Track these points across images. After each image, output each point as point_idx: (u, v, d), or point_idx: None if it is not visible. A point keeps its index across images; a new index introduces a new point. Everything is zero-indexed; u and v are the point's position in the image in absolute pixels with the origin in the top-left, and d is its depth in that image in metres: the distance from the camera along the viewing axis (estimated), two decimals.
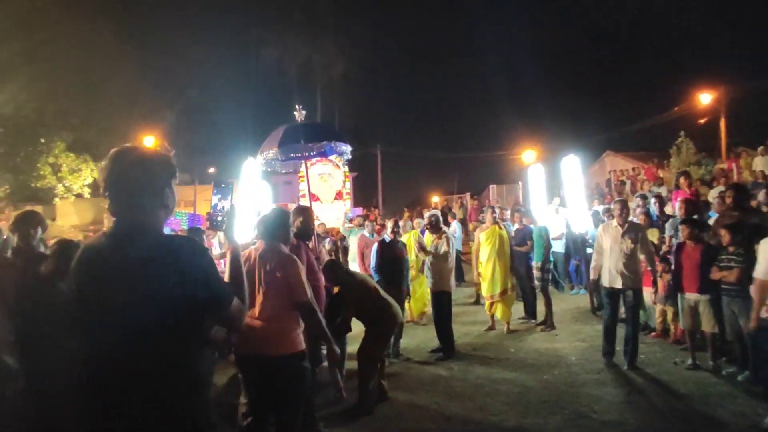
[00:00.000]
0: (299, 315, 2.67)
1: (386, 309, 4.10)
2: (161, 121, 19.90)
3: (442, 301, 5.63)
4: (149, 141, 18.35)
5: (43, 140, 15.39)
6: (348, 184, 11.95)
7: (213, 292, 1.40)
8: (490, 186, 20.00)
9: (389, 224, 5.92)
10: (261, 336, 2.63)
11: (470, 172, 34.86)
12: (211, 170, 25.42)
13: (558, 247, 8.22)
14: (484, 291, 6.62)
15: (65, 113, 15.93)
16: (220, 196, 1.57)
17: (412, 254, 7.05)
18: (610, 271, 4.90)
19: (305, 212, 4.16)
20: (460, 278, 10.26)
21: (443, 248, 5.72)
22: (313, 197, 11.71)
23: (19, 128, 14.80)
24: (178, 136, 21.55)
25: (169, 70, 21.44)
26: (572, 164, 7.55)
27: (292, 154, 5.05)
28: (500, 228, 6.53)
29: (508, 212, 9.65)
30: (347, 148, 5.15)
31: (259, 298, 2.69)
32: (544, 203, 8.86)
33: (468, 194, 19.15)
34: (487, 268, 6.49)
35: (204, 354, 1.36)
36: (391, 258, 5.55)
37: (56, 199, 16.90)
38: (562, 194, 8.99)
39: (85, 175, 16.65)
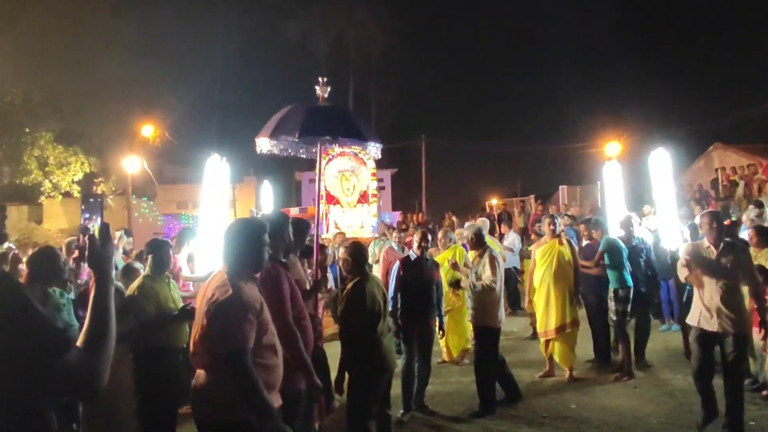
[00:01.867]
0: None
1: (372, 351, 3.78)
2: (164, 108, 20.48)
3: (484, 339, 5.30)
4: (147, 131, 18.97)
5: (27, 130, 15.99)
6: (374, 184, 11.80)
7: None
8: (561, 187, 19.34)
9: (416, 237, 5.61)
10: (195, 395, 2.55)
11: (537, 169, 33.98)
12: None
13: (639, 267, 7.67)
14: (539, 324, 6.31)
15: (53, 99, 16.48)
16: (88, 215, 1.38)
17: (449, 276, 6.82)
18: (701, 308, 4.41)
19: (299, 224, 4.00)
20: (516, 305, 9.90)
21: (486, 272, 5.36)
22: (330, 199, 11.64)
23: (1, 115, 15.43)
24: (183, 125, 22.19)
25: (173, 49, 22.09)
26: (662, 161, 7.02)
27: (314, 146, 4.96)
28: (561, 243, 6.13)
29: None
30: (377, 148, 5.00)
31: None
32: (623, 210, 8.35)
33: (532, 197, 18.56)
34: (540, 294, 6.16)
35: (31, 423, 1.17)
36: (417, 281, 5.24)
37: (42, 198, 17.60)
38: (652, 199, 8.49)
39: (74, 170, 17.28)
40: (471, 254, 5.88)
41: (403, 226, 12.43)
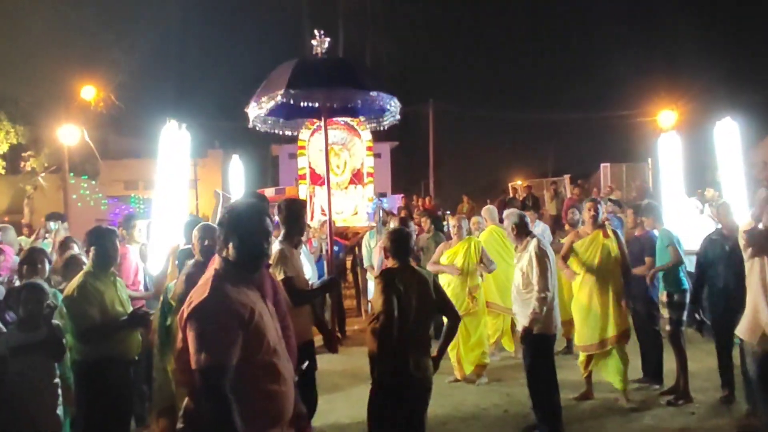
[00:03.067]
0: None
1: (386, 361, 3.99)
2: (110, 65, 20.27)
3: (536, 349, 5.38)
4: (88, 93, 18.86)
5: None
6: (370, 160, 11.82)
7: None
8: (602, 165, 19.43)
9: (425, 227, 5.71)
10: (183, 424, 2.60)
11: (573, 143, 34.11)
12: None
13: None
14: (577, 337, 6.32)
15: None
16: None
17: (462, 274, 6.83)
18: (759, 317, 4.40)
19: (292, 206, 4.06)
20: None
21: (533, 272, 5.37)
22: (315, 179, 11.64)
23: None
24: (134, 86, 22.02)
25: None
26: (729, 133, 7.00)
27: (306, 103, 4.99)
28: (606, 235, 6.11)
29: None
30: (395, 107, 5.05)
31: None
32: (682, 194, 8.39)
33: (567, 177, 18.61)
34: (579, 299, 6.16)
35: None
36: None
37: None
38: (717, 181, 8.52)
39: None
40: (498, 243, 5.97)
41: (404, 213, 12.43)
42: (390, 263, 4.23)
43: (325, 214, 11.23)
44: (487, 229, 8.19)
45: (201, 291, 2.52)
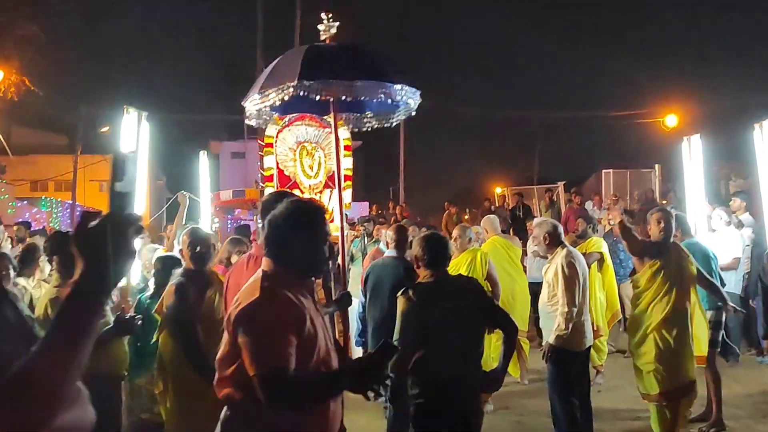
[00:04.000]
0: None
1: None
2: (20, 41, 19.98)
3: (562, 365, 5.73)
4: None
5: None
6: (349, 161, 11.99)
7: None
8: (605, 172, 20.07)
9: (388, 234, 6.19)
10: None
11: (565, 146, 34.66)
12: (104, 129, 25.71)
13: (731, 285, 8.13)
14: (651, 383, 5.79)
15: None
16: None
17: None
18: None
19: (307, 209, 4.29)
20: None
21: (557, 286, 5.72)
22: (284, 181, 11.76)
23: None
24: (57, 71, 21.69)
25: None
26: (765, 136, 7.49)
27: (321, 95, 5.12)
28: (682, 253, 6.06)
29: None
30: (415, 102, 5.30)
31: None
32: (705, 205, 8.82)
33: (561, 184, 19.15)
34: (654, 335, 5.78)
35: None
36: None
37: None
38: (745, 189, 8.94)
39: None
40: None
41: (382, 221, 12.64)
42: (423, 275, 4.40)
43: None
44: (489, 241, 8.41)
45: (250, 292, 2.71)
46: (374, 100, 5.48)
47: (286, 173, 11.74)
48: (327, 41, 5.29)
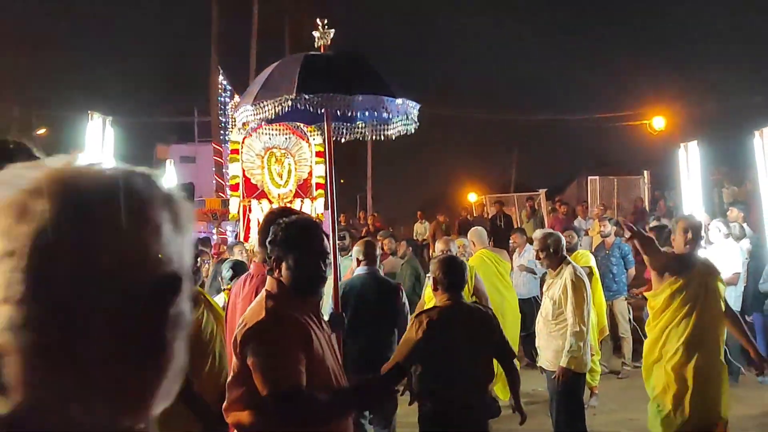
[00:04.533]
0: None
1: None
2: None
3: (565, 387, 5.97)
4: None
5: None
6: (320, 169, 12.14)
7: None
8: (590, 178, 20.43)
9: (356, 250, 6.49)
10: None
11: (544, 151, 35.04)
12: (42, 131, 25.53)
13: (731, 301, 8.42)
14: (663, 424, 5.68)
15: None
16: None
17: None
18: None
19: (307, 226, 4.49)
20: (531, 354, 10.43)
21: (566, 303, 6.00)
22: (251, 191, 11.87)
23: None
24: None
25: None
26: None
27: (321, 109, 5.31)
28: (712, 271, 5.74)
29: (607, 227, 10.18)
30: (415, 115, 5.49)
31: None
32: (703, 216, 9.12)
33: (543, 192, 19.52)
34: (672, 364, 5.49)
35: None
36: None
37: None
38: (739, 197, 9.24)
39: None
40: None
41: (352, 231, 12.78)
42: (440, 299, 4.63)
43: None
44: (477, 254, 8.56)
45: (256, 313, 2.88)
46: (370, 112, 5.65)
47: (253, 181, 11.82)
48: (322, 49, 5.45)
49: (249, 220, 11.63)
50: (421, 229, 18.89)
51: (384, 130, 5.89)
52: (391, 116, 5.52)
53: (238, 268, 6.44)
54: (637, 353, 9.84)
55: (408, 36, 45.64)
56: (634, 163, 23.37)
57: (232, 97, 20.88)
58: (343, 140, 6.14)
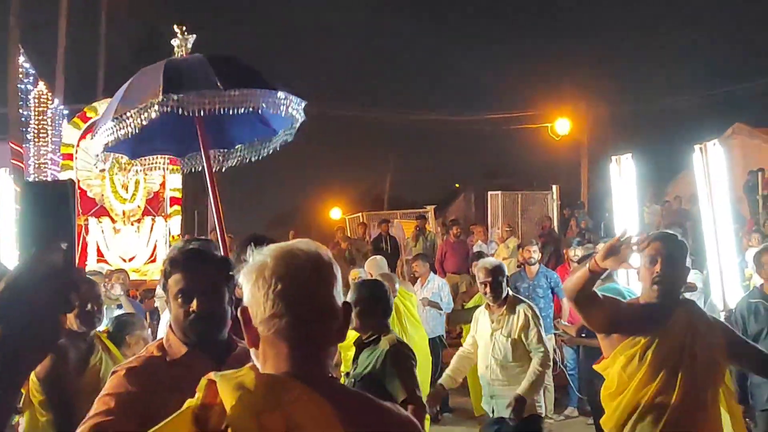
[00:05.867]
0: None
1: None
2: None
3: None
4: None
5: None
6: (177, 180, 12.18)
7: None
8: (490, 193, 20.86)
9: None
10: None
11: (424, 158, 35.78)
12: None
13: None
14: None
15: None
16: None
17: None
18: None
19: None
20: (446, 407, 10.67)
21: (531, 336, 6.55)
22: (88, 206, 11.80)
23: None
24: None
25: None
26: (714, 155, 8.57)
27: (191, 111, 5.35)
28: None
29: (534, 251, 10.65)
30: (298, 107, 5.63)
31: None
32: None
33: (431, 208, 20.05)
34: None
35: None
36: None
37: None
38: (677, 218, 9.88)
39: None
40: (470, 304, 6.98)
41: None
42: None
43: (105, 260, 11.34)
44: None
45: None
46: (246, 128, 5.86)
47: (90, 194, 11.66)
48: (182, 55, 5.65)
49: (86, 244, 11.53)
50: None
51: (266, 147, 6.11)
52: (273, 127, 5.81)
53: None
54: (559, 403, 10.47)
55: (267, 31, 45.85)
56: (533, 174, 24.30)
57: (35, 85, 20.30)
58: (223, 169, 6.34)
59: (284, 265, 2.13)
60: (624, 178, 9.75)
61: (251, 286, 2.14)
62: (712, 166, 8.40)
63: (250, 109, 5.45)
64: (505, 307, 6.70)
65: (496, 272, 6.72)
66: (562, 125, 25.44)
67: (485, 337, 6.75)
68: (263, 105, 5.46)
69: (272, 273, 2.11)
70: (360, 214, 23.03)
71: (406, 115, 32.26)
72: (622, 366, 4.45)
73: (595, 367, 4.93)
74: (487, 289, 6.71)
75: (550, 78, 31.11)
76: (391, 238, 17.88)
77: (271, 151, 6.19)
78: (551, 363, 6.64)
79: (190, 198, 30.85)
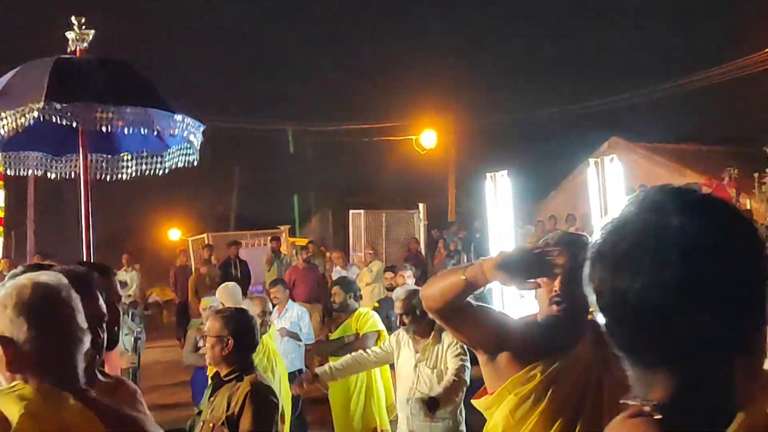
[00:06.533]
0: None
1: None
2: None
3: None
4: None
5: None
6: (0, 195, 11.95)
7: None
8: (352, 212, 20.91)
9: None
10: None
11: (276, 174, 35.45)
12: None
13: None
14: None
15: None
16: None
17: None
18: None
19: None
20: None
21: (447, 362, 6.60)
22: None
23: None
24: None
25: None
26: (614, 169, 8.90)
27: (79, 121, 5.22)
28: None
29: (407, 276, 10.78)
30: (196, 131, 5.58)
31: None
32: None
33: (286, 229, 20.12)
34: None
35: None
36: None
37: None
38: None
39: None
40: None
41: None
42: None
43: None
44: None
45: None
46: (136, 138, 5.81)
47: None
48: (78, 54, 5.62)
49: None
50: (129, 280, 18.86)
51: (157, 162, 6.10)
52: (167, 142, 5.79)
53: None
54: None
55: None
56: (398, 191, 24.53)
57: None
58: (107, 178, 6.26)
59: (31, 294, 2.68)
60: (499, 196, 9.97)
61: (5, 315, 2.65)
62: (609, 182, 8.61)
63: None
64: (431, 336, 6.73)
65: (408, 302, 6.75)
66: (428, 138, 25.83)
67: (407, 368, 6.80)
68: (158, 128, 5.47)
69: (20, 302, 2.65)
70: (205, 235, 22.83)
71: (253, 125, 32.02)
72: (511, 409, 3.78)
73: (473, 401, 4.12)
74: (406, 320, 6.74)
75: (416, 87, 31.37)
76: (242, 262, 17.85)
77: (166, 170, 6.22)
78: (467, 377, 6.49)
79: (13, 218, 30.09)
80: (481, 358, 3.85)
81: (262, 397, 5.04)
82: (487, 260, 3.46)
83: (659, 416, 1.70)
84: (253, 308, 7.79)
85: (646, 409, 1.85)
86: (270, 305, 10.51)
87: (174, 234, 32.95)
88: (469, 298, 3.58)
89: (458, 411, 6.69)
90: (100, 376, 3.46)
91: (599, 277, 1.79)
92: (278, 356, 8.86)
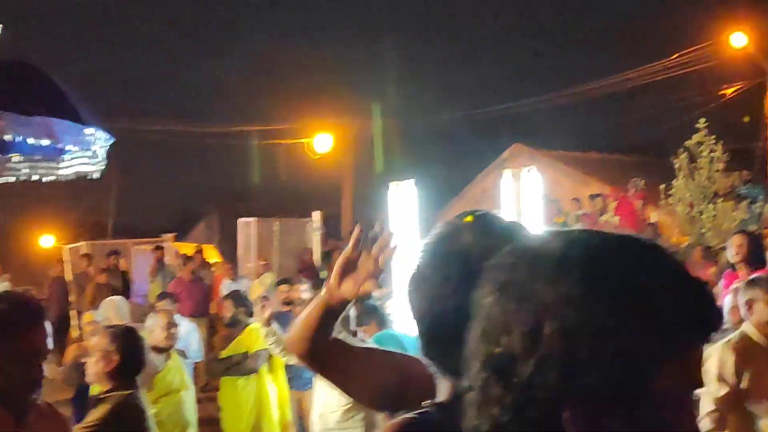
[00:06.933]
0: None
1: None
2: None
3: None
4: None
5: None
6: None
7: None
8: (242, 221, 20.86)
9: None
10: None
11: (154, 175, 35.04)
12: None
13: None
14: None
15: None
16: None
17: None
18: None
19: None
20: None
21: None
22: None
23: None
24: None
25: None
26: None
27: None
28: None
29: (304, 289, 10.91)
30: (105, 144, 5.47)
31: None
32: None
33: (171, 236, 20.08)
34: None
35: None
36: None
37: None
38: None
39: None
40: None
41: None
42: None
43: None
44: None
45: None
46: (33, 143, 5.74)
47: None
48: None
49: None
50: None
51: (54, 168, 6.05)
52: (64, 148, 5.76)
53: None
54: None
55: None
56: (291, 198, 24.52)
57: None
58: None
59: None
60: (404, 205, 10.12)
61: None
62: (525, 193, 8.77)
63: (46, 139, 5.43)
64: None
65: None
66: (321, 142, 25.73)
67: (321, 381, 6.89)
68: (67, 142, 5.42)
69: None
70: (82, 243, 22.48)
71: (129, 125, 31.53)
72: None
73: None
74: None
75: (310, 88, 31.27)
76: (123, 273, 17.72)
77: (63, 178, 6.13)
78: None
79: None
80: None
81: (121, 416, 4.86)
82: (330, 278, 2.74)
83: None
84: (158, 321, 7.80)
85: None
86: (175, 318, 10.64)
87: (46, 241, 32.44)
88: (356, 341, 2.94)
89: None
90: None
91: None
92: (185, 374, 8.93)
